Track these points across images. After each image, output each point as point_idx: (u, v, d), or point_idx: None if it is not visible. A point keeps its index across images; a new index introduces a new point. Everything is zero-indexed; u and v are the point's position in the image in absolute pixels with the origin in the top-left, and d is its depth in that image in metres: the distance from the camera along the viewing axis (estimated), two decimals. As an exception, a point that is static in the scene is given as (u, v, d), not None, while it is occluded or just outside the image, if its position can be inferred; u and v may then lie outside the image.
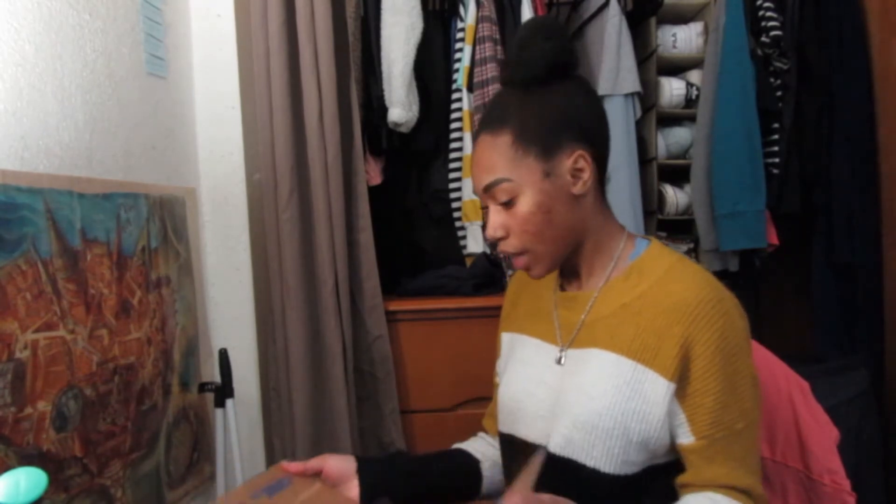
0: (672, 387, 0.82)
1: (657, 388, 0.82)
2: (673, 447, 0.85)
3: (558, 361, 0.92)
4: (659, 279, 0.87)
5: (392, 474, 0.98)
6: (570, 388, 0.87)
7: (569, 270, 0.96)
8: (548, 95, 0.87)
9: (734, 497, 0.81)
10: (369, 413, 1.84)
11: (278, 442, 1.76)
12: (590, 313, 0.91)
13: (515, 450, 0.94)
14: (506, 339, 1.05)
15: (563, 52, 0.87)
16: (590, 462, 0.83)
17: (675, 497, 0.85)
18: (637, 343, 0.84)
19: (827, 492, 0.95)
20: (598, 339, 0.88)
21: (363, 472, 0.94)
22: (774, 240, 2.02)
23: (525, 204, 0.86)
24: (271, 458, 1.77)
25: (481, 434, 1.11)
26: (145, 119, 1.44)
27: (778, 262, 2.14)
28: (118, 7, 1.36)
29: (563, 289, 0.98)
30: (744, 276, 2.11)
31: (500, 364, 1.06)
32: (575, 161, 0.86)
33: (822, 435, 0.98)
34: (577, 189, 0.87)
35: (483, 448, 1.06)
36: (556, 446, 0.86)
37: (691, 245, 2.20)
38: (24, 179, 1.04)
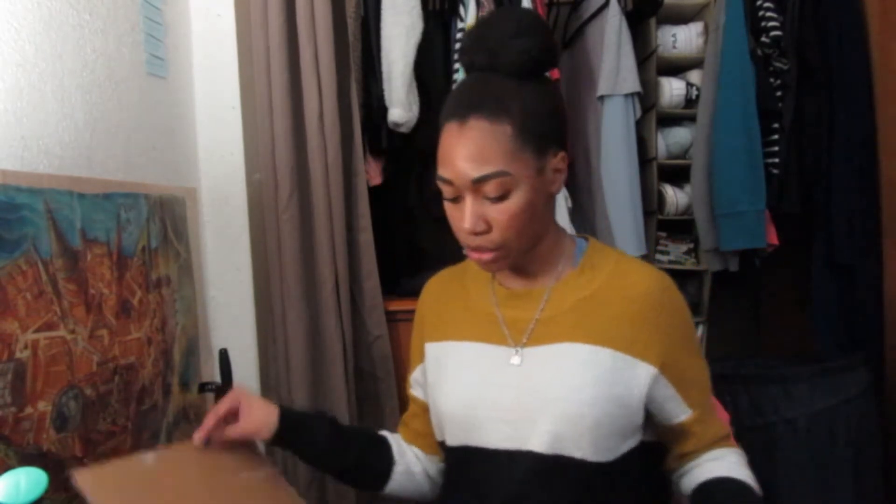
0: (654, 370, 0.86)
1: (639, 374, 0.86)
2: (640, 429, 0.89)
3: (515, 360, 0.89)
4: (612, 272, 0.90)
5: (308, 441, 0.98)
6: (545, 385, 0.86)
7: (516, 268, 0.93)
8: (540, 91, 0.84)
9: (728, 445, 0.93)
10: (369, 413, 1.84)
11: (278, 442, 1.76)
12: (544, 310, 0.90)
13: (473, 460, 0.91)
14: (431, 349, 1.00)
15: (555, 49, 0.87)
16: (577, 454, 0.84)
17: (652, 482, 0.94)
18: (611, 332, 0.86)
19: None
20: (564, 333, 0.88)
21: (282, 429, 0.94)
22: (774, 240, 2.02)
23: (517, 200, 0.82)
24: (271, 458, 1.77)
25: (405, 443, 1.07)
26: (145, 119, 1.44)
27: (778, 262, 2.14)
28: (118, 7, 1.36)
29: (504, 287, 0.95)
30: (744, 276, 2.11)
31: (422, 375, 1.03)
32: (559, 161, 0.86)
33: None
34: (555, 188, 0.87)
35: (407, 453, 1.04)
36: (542, 445, 0.85)
37: (691, 245, 2.20)
38: (24, 179, 1.04)
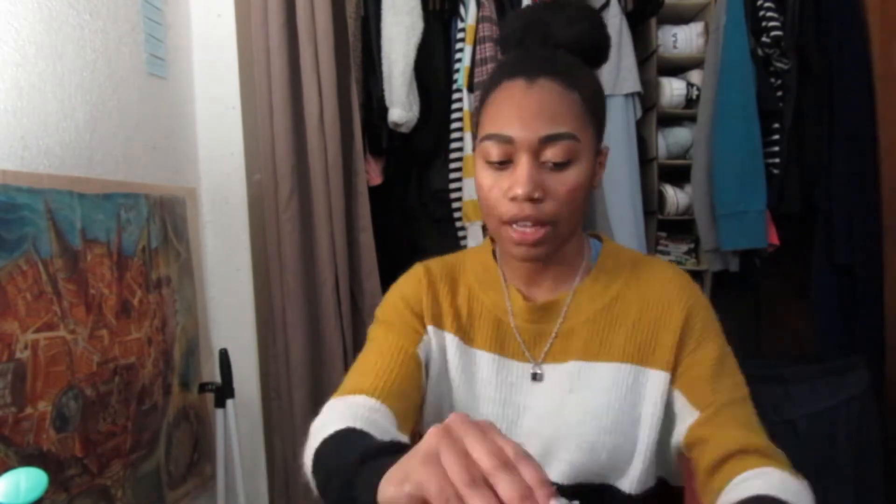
0: (668, 377, 0.79)
1: (657, 385, 0.79)
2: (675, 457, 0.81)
3: (534, 378, 0.83)
4: (630, 275, 0.85)
5: None
6: (565, 410, 0.80)
7: (535, 272, 0.86)
8: (596, 80, 0.81)
9: (759, 460, 0.73)
10: (369, 413, 1.84)
11: (278, 442, 1.76)
12: (563, 323, 0.83)
13: None
14: (436, 335, 0.87)
15: (609, 43, 0.86)
16: (597, 480, 0.80)
17: None
18: (631, 345, 0.80)
19: None
20: (582, 350, 0.82)
21: None
22: (775, 240, 2.02)
23: (577, 172, 0.75)
24: (271, 458, 1.77)
25: (362, 400, 0.78)
26: (145, 119, 1.44)
27: (778, 262, 2.14)
28: (119, 7, 1.36)
29: (523, 298, 0.86)
30: (744, 276, 2.11)
31: (424, 354, 0.86)
32: (604, 156, 0.83)
33: None
34: (596, 182, 0.82)
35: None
36: (561, 475, 0.80)
37: (691, 245, 2.20)
38: (25, 179, 1.04)
